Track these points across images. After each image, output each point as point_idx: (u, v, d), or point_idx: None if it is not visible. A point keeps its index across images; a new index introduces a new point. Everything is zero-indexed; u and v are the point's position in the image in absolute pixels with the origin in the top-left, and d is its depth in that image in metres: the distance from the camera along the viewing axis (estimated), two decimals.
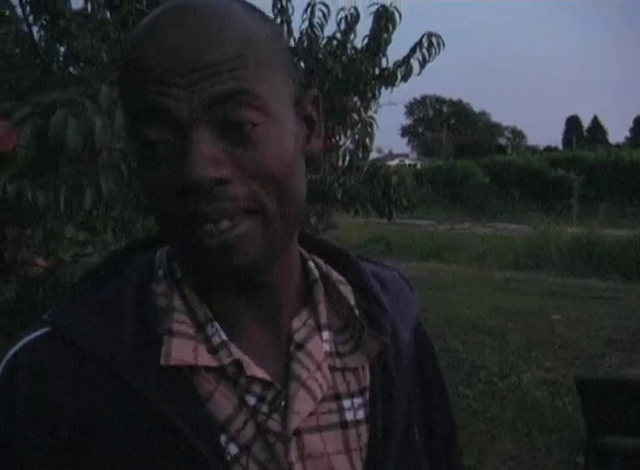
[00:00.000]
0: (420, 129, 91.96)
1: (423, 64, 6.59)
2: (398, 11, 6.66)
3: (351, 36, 6.88)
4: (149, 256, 1.10)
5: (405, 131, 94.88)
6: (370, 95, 7.00)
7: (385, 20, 6.64)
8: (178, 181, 0.90)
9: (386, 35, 6.70)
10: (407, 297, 1.28)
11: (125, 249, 1.14)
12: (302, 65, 6.94)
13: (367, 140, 7.29)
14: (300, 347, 1.06)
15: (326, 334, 1.09)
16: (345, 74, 6.68)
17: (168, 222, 0.95)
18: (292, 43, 6.98)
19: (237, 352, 1.00)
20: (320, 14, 6.80)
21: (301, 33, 6.92)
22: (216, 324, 1.01)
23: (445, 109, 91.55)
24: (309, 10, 6.81)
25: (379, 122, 7.41)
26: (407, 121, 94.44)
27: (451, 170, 38.46)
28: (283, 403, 1.01)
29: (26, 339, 1.00)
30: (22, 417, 0.95)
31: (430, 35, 6.49)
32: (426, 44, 6.48)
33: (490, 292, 14.42)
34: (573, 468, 5.82)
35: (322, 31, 6.90)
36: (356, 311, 1.11)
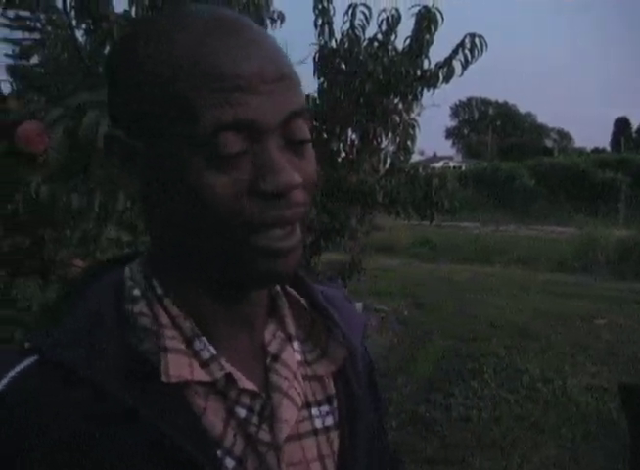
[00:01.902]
0: (465, 131, 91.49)
1: (465, 65, 6.56)
2: (440, 12, 6.65)
3: (392, 38, 6.86)
4: (113, 278, 1.08)
5: (450, 133, 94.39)
6: (411, 97, 6.97)
7: (426, 21, 6.61)
8: (266, 185, 0.93)
9: (427, 36, 6.67)
10: (352, 312, 1.31)
11: (89, 273, 1.14)
12: (344, 66, 6.92)
13: (408, 142, 7.27)
14: (276, 358, 1.09)
15: (296, 344, 1.14)
16: (386, 76, 6.66)
17: (229, 226, 0.95)
18: (333, 44, 6.97)
19: (227, 366, 1.01)
20: (362, 15, 6.81)
21: (343, 35, 6.93)
22: (204, 339, 1.02)
23: (491, 110, 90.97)
24: (351, 11, 6.82)
25: (423, 124, 7.41)
26: (452, 123, 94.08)
27: (496, 172, 38.12)
28: (269, 413, 1.04)
29: (17, 368, 0.96)
30: (22, 444, 0.92)
31: (472, 36, 6.45)
32: (468, 45, 6.45)
33: (535, 295, 14.32)
34: None
35: (363, 33, 6.89)
36: (319, 321, 1.16)
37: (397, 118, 7.08)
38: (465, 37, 6.50)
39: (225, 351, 1.03)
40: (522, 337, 10.71)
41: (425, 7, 6.65)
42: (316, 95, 7.20)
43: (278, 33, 7.12)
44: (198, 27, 0.95)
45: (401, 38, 6.91)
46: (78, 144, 2.18)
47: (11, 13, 3.23)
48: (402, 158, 7.42)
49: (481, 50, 6.42)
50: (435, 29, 6.68)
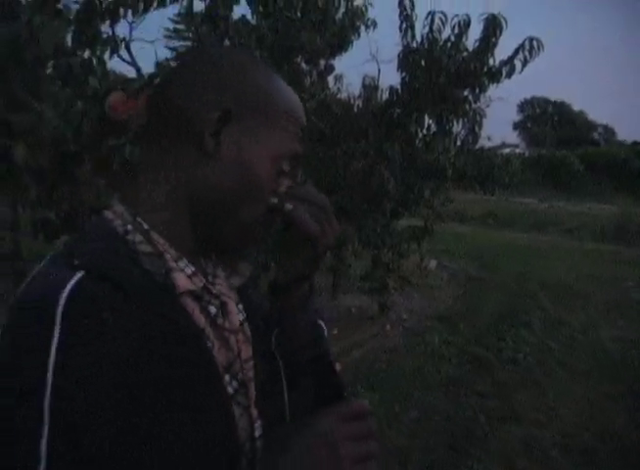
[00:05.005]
0: (528, 124, 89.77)
1: (524, 63, 6.44)
2: (505, 19, 6.54)
3: (464, 39, 6.78)
4: (95, 222, 1.07)
5: (516, 126, 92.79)
6: (478, 89, 6.88)
7: (493, 26, 6.49)
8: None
9: (493, 39, 6.61)
10: None
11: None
12: (423, 63, 6.81)
13: (476, 127, 7.16)
14: (214, 275, 1.15)
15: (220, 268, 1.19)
16: (457, 70, 6.59)
17: (263, 207, 1.09)
18: (414, 45, 6.88)
19: (203, 279, 1.09)
20: (438, 20, 6.79)
21: (422, 37, 6.91)
22: (185, 259, 1.06)
23: (550, 108, 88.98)
24: (430, 17, 6.79)
25: (494, 118, 7.51)
26: (518, 117, 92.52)
27: (552, 158, 37.32)
28: (224, 309, 1.13)
29: (73, 281, 0.88)
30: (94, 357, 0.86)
31: (531, 39, 6.36)
32: (527, 47, 6.31)
33: (579, 260, 13.95)
34: (637, 412, 5.50)
35: (440, 35, 6.85)
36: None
37: (467, 107, 6.94)
38: (525, 40, 6.36)
39: (196, 268, 1.09)
40: (565, 294, 10.44)
41: (492, 14, 6.49)
42: (399, 86, 7.09)
43: (371, 36, 7.08)
44: (262, 65, 1.09)
45: (471, 40, 6.80)
46: None
47: None
48: (470, 140, 7.26)
49: (539, 51, 6.25)
50: (500, 33, 6.52)
